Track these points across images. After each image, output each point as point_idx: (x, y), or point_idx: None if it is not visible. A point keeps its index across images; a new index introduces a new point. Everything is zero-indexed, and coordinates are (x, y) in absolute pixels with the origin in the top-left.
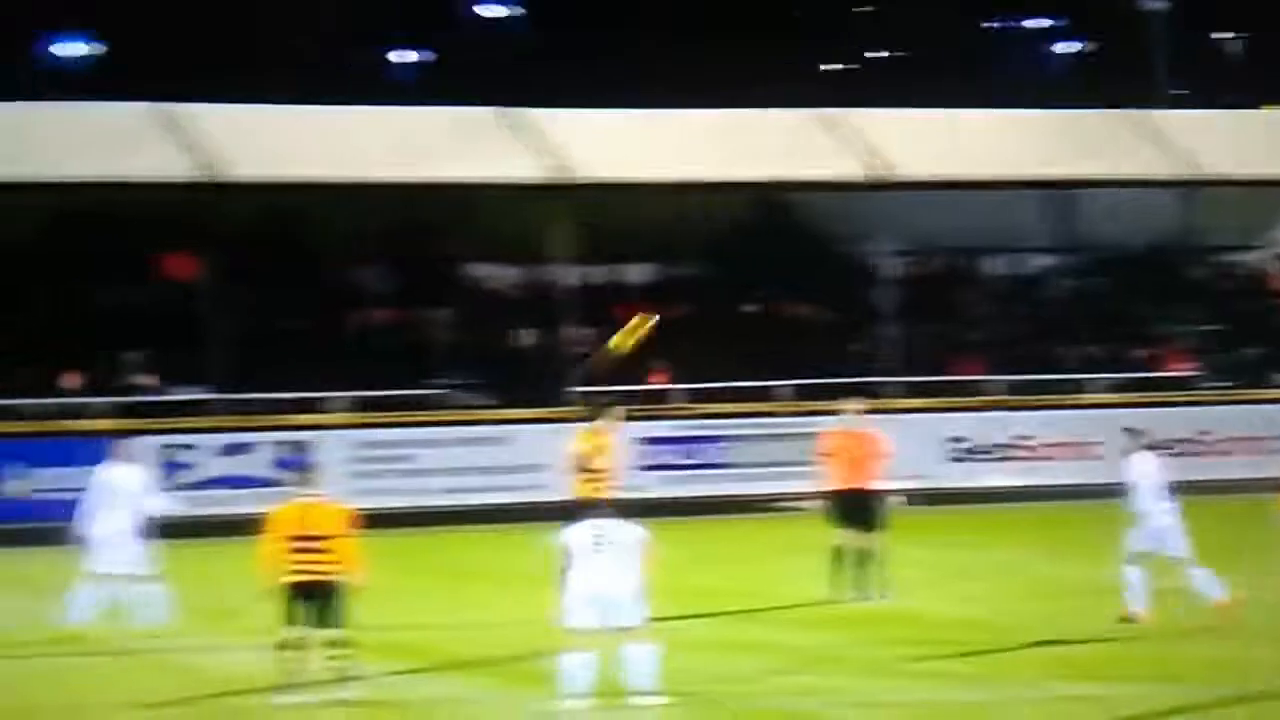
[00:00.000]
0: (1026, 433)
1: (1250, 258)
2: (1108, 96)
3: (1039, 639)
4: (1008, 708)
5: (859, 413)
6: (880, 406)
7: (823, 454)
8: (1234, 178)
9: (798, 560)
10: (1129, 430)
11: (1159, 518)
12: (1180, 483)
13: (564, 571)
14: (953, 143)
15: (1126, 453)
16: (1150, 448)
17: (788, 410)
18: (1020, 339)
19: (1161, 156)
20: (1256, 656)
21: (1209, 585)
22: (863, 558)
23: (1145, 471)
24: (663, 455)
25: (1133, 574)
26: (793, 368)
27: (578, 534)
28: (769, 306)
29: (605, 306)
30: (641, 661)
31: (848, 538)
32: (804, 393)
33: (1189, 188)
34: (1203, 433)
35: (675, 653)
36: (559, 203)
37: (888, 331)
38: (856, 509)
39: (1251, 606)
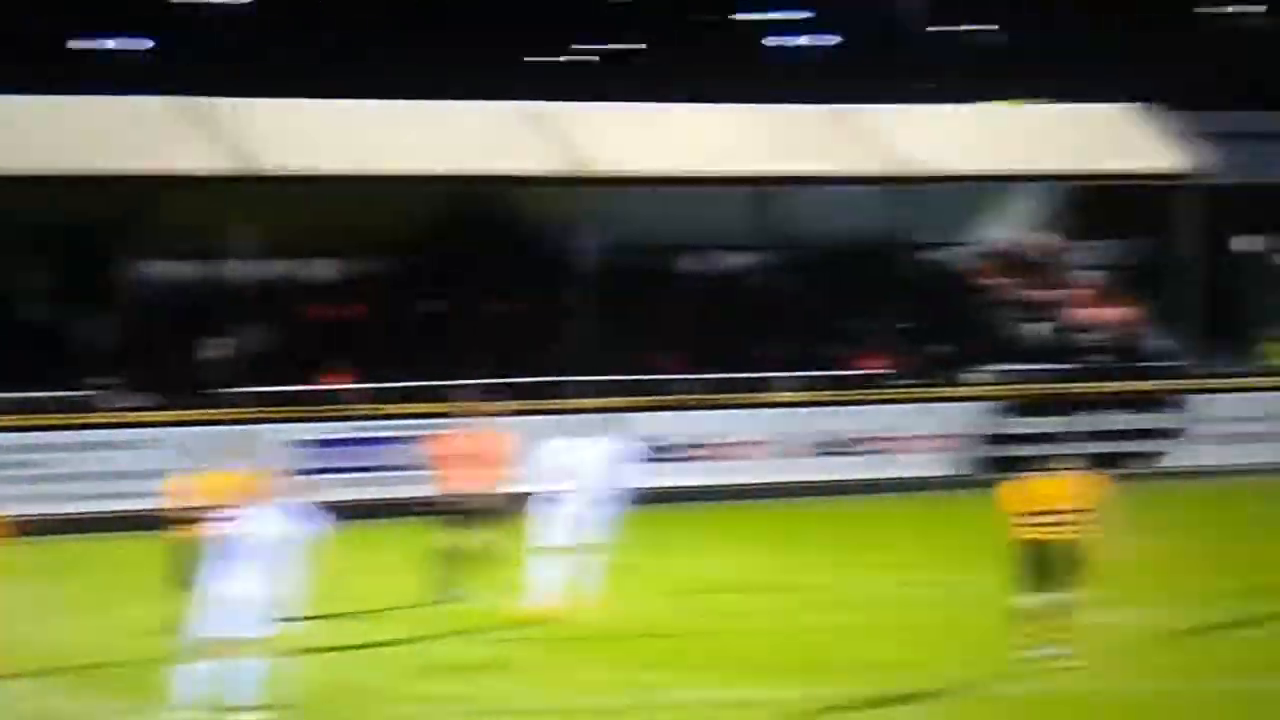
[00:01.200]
0: (712, 432)
1: (958, 254)
2: (842, 90)
3: (693, 639)
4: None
5: (481, 414)
6: (572, 406)
7: (440, 456)
8: (943, 173)
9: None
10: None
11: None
12: (871, 480)
13: (201, 576)
14: (658, 138)
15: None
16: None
17: (471, 411)
18: (714, 337)
19: (870, 152)
20: (924, 658)
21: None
22: (473, 557)
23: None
24: (336, 457)
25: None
26: (484, 367)
27: (229, 534)
28: (462, 304)
29: (285, 305)
30: (252, 672)
31: (460, 538)
32: (490, 392)
33: (897, 184)
34: (886, 431)
35: (290, 661)
36: (238, 196)
37: (584, 330)
38: (471, 511)
39: (934, 605)
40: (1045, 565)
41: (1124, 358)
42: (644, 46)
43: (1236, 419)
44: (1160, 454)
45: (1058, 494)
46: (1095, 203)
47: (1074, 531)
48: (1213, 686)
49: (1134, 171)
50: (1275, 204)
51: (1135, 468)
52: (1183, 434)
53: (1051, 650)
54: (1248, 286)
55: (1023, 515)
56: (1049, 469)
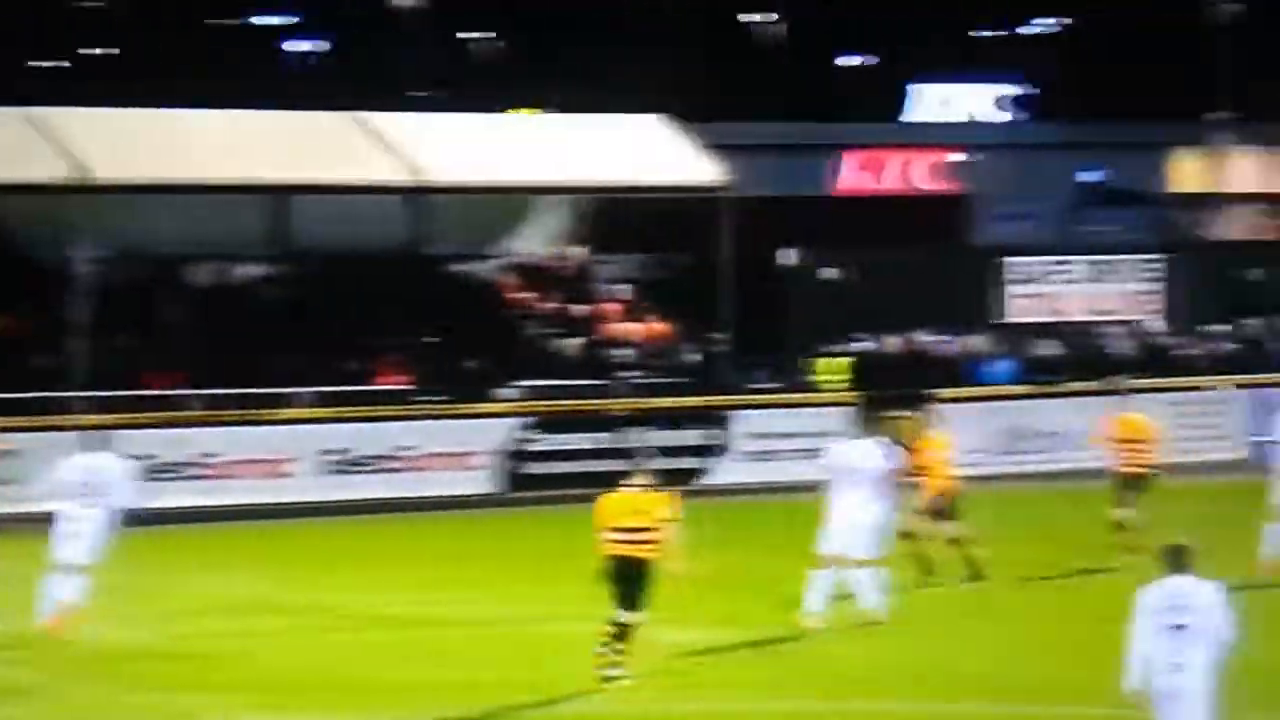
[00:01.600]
0: (214, 450)
1: (480, 268)
2: (347, 97)
3: (223, 660)
4: None
5: None
6: (72, 423)
7: None
8: (466, 185)
9: None
10: None
11: None
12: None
13: None
14: (165, 144)
15: None
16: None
17: None
18: (225, 351)
19: (391, 162)
20: (458, 677)
21: None
22: None
23: None
24: None
25: None
26: None
27: None
28: None
29: None
30: None
31: None
32: None
33: (419, 194)
34: (408, 448)
35: None
36: None
37: (81, 344)
38: None
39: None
40: (625, 581)
41: (658, 373)
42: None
43: (771, 435)
44: (702, 471)
45: (635, 509)
46: (624, 215)
47: (649, 549)
48: (746, 707)
49: (662, 184)
50: (809, 216)
51: (677, 484)
52: (726, 450)
53: (619, 671)
54: (789, 300)
55: (607, 530)
56: (631, 484)
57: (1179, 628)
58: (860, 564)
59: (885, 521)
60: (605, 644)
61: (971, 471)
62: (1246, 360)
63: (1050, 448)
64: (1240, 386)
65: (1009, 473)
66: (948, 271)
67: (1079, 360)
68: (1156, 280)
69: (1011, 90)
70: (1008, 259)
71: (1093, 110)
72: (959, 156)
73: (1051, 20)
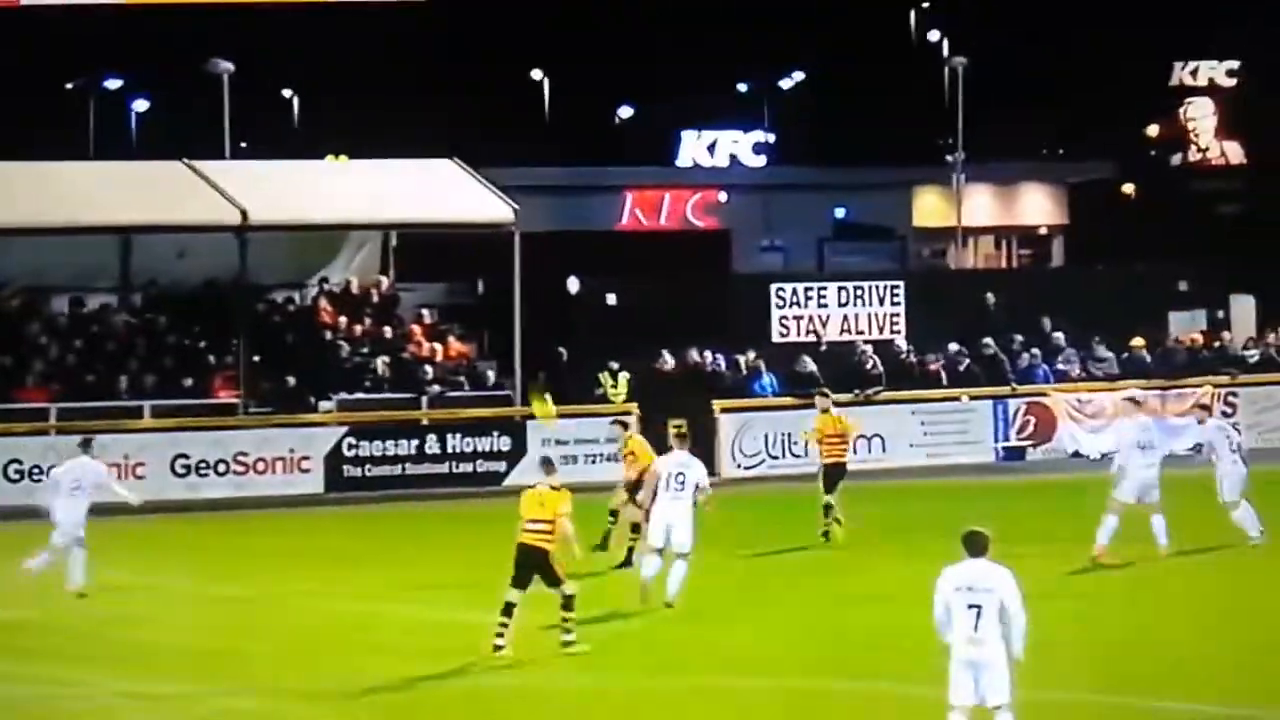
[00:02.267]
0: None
1: (299, 295)
2: (177, 150)
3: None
4: None
5: None
6: None
7: None
8: (286, 223)
9: None
10: None
11: None
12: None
13: None
14: (31, 191)
15: None
16: None
17: None
18: (84, 369)
19: (220, 203)
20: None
21: None
22: None
23: None
24: None
25: None
26: None
27: None
28: None
29: None
30: None
31: None
32: None
33: (245, 231)
34: (244, 454)
35: None
36: None
37: None
38: None
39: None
40: (524, 567)
41: (461, 387)
42: None
43: (563, 441)
44: (504, 474)
45: (541, 503)
46: (426, 248)
47: (547, 540)
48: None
49: (459, 220)
50: (589, 249)
51: (484, 485)
52: (524, 455)
53: (570, 638)
54: (575, 323)
55: (521, 521)
56: (543, 482)
57: (974, 606)
58: (677, 555)
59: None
60: (501, 625)
61: (743, 474)
62: (984, 376)
63: (812, 452)
64: (975, 398)
65: (777, 474)
66: (718, 297)
67: (836, 375)
68: (900, 304)
69: (769, 136)
70: (774, 284)
71: (842, 153)
72: (721, 196)
73: (803, 74)
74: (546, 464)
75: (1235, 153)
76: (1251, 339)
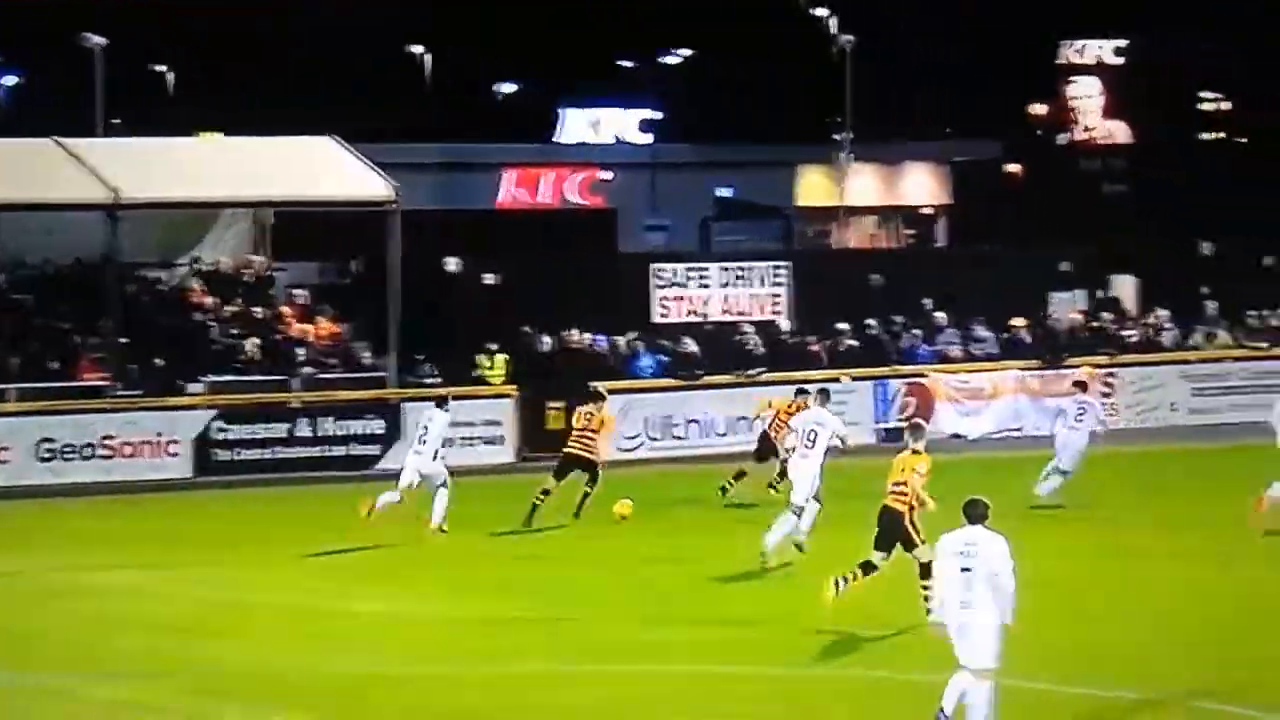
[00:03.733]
0: None
1: (171, 275)
2: (47, 126)
3: None
4: None
5: None
6: None
7: None
8: (157, 201)
9: None
10: None
11: None
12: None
13: None
14: None
15: None
16: None
17: None
18: None
19: (90, 182)
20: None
21: None
22: None
23: None
24: None
25: None
26: None
27: None
28: None
29: None
30: None
31: None
32: None
33: (115, 210)
34: (111, 437)
35: None
36: None
37: None
38: None
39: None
40: None
41: (334, 369)
42: None
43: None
44: (378, 457)
45: None
46: (301, 227)
47: None
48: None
49: (334, 198)
50: (473, 228)
51: (356, 469)
52: (398, 438)
53: None
54: (454, 303)
55: None
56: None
57: (966, 570)
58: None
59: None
60: None
61: (624, 456)
62: (865, 356)
63: (695, 434)
64: (858, 379)
65: (656, 457)
66: (600, 277)
67: (718, 356)
68: (783, 284)
69: (653, 114)
70: (654, 265)
71: (728, 131)
72: (606, 174)
73: (689, 50)
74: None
75: (1122, 132)
76: (1131, 318)
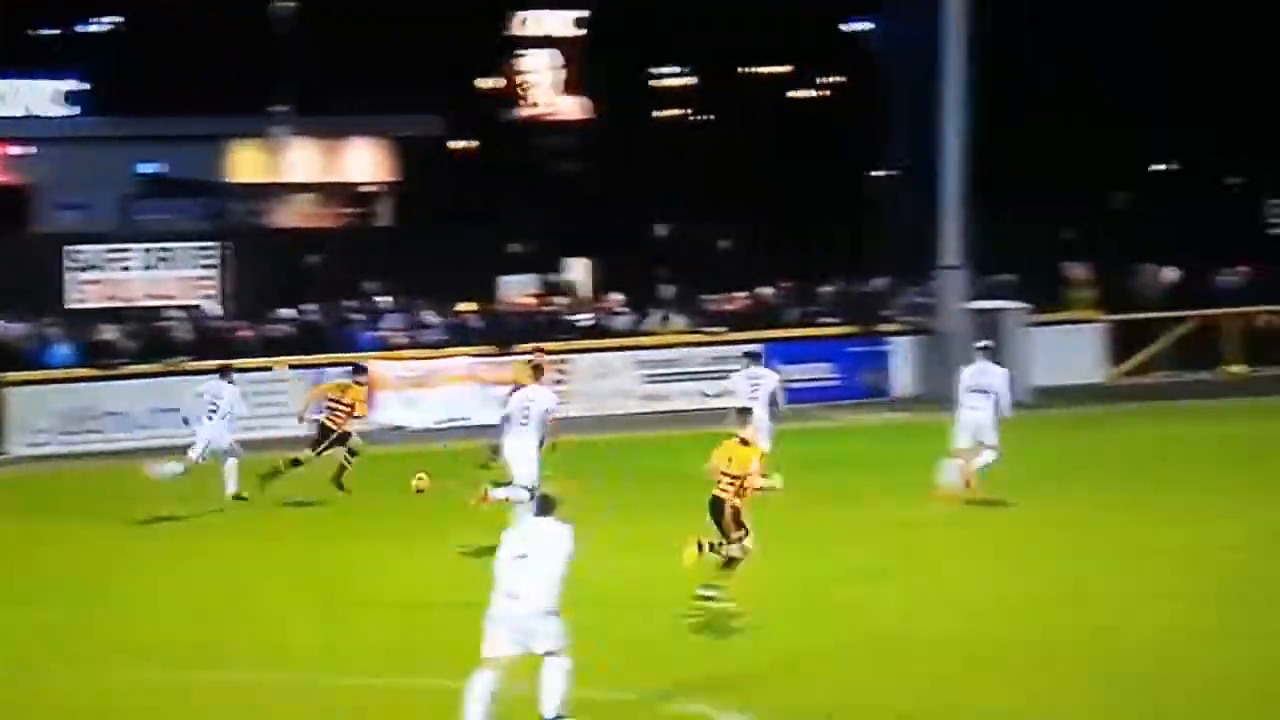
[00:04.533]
0: None
1: None
2: None
3: None
4: None
5: None
6: None
7: None
8: None
9: None
10: None
11: None
12: None
13: None
14: None
15: None
16: None
17: None
18: None
19: None
20: None
21: None
22: None
23: None
24: None
25: None
26: None
27: None
28: None
29: None
30: None
31: None
32: None
33: None
34: None
35: None
36: None
37: None
38: None
39: None
40: None
41: None
42: None
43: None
44: None
45: None
46: None
47: None
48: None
49: None
50: None
51: None
52: None
53: None
54: None
55: None
56: None
57: (521, 557)
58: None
59: None
60: None
61: (33, 452)
62: (303, 342)
63: (114, 428)
64: (294, 367)
65: (71, 452)
66: (12, 258)
67: (142, 344)
68: (214, 266)
69: (72, 85)
70: (68, 247)
71: (155, 104)
72: (18, 150)
73: (113, 18)
74: None
75: (576, 108)
76: (585, 302)
